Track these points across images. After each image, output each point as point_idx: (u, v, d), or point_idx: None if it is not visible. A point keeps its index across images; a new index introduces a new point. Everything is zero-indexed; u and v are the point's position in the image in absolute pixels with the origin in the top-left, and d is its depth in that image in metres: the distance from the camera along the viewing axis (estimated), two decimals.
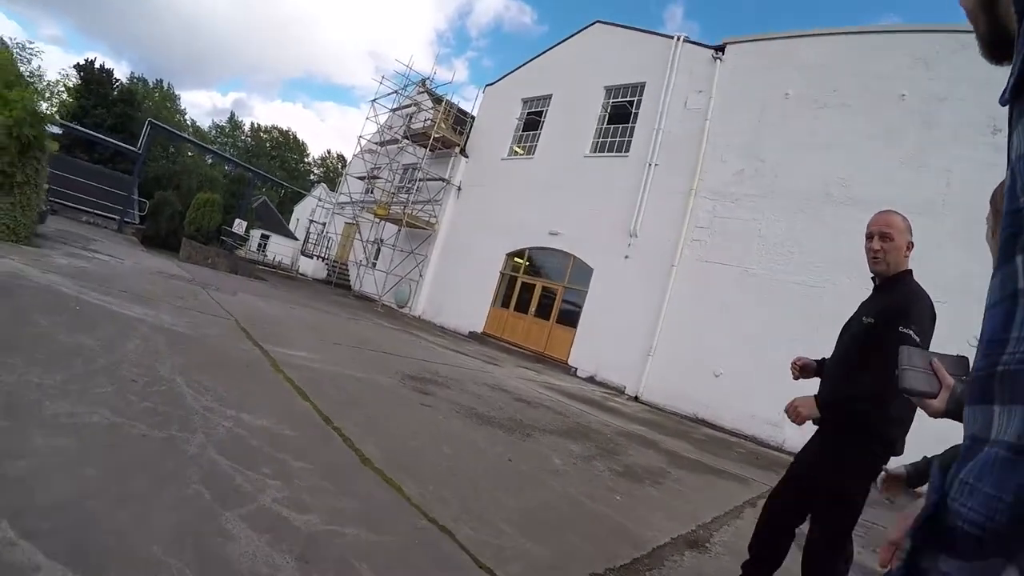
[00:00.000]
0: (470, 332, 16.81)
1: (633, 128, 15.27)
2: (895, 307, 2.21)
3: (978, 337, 0.65)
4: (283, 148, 74.12)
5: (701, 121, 13.67)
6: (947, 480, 0.62)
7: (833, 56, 12.18)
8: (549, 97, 18.08)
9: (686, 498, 4.57)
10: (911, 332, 2.06)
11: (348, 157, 72.35)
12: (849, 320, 2.48)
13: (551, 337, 15.14)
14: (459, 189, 19.78)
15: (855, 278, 9.97)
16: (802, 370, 2.56)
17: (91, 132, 25.32)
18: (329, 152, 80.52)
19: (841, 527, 2.34)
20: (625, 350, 13.13)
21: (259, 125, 76.05)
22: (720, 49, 13.94)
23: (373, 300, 19.63)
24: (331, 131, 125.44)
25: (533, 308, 16.01)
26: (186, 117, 63.43)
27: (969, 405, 0.63)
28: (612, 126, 15.99)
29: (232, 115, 77.51)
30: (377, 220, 20.65)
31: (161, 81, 59.73)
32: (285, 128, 78.26)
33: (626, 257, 13.99)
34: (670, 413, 11.59)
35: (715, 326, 12.15)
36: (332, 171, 72.40)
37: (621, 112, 15.84)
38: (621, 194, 14.55)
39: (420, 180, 19.48)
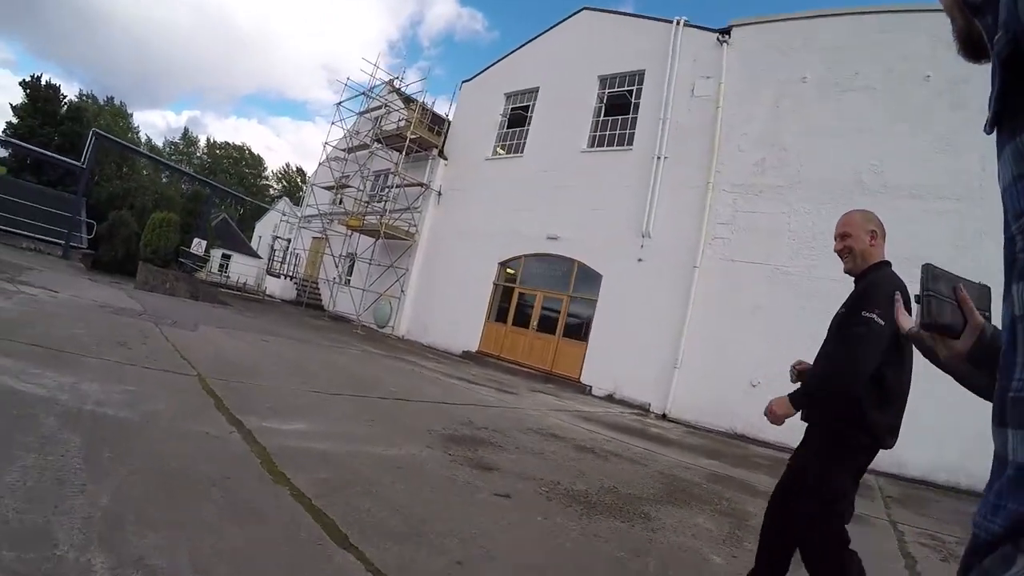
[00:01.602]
0: (464, 352, 15.30)
1: (635, 119, 14.30)
2: (858, 294, 2.30)
3: None
4: (240, 164, 72.40)
5: (712, 109, 12.77)
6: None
7: (851, 37, 11.51)
8: (536, 91, 16.81)
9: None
10: (874, 316, 2.11)
11: (308, 171, 67.76)
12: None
13: (558, 353, 13.80)
14: (439, 194, 18.29)
15: (898, 270, 8.94)
16: (800, 375, 2.45)
17: (23, 144, 22.63)
18: (288, 166, 79.39)
19: (825, 520, 2.28)
20: (646, 363, 12.07)
21: (215, 141, 74.23)
22: (726, 32, 13.14)
23: (350, 321, 17.95)
24: (287, 146, 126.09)
25: (535, 322, 14.73)
26: (140, 135, 61.05)
27: (993, 425, 0.63)
28: (611, 118, 14.98)
29: (186, 131, 73.95)
30: (349, 232, 18.91)
31: (112, 98, 56.70)
32: (241, 143, 77.10)
33: (639, 260, 12.76)
34: (704, 431, 10.59)
35: (748, 331, 11.02)
36: (292, 185, 72.06)
37: (620, 103, 14.81)
38: (628, 191, 13.47)
39: (397, 186, 17.63)
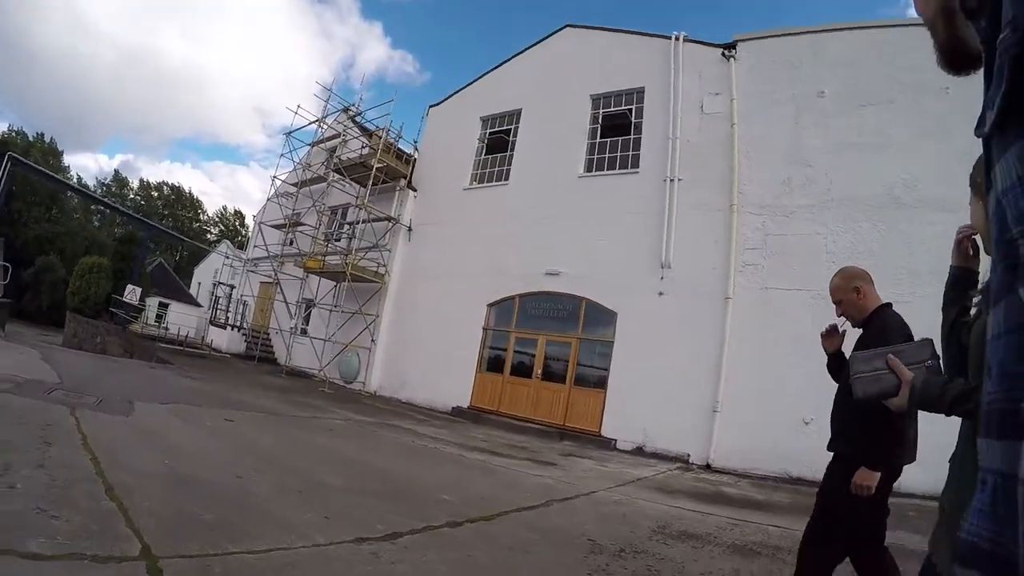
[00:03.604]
0: (454, 408, 14.49)
1: (639, 140, 14.22)
2: (866, 337, 2.79)
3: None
4: (176, 206, 73.38)
5: (726, 126, 12.87)
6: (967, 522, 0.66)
7: (861, 51, 11.91)
8: (517, 113, 16.71)
9: None
10: None
11: (246, 214, 67.68)
12: None
13: (571, 404, 13.22)
14: (409, 229, 17.56)
15: (941, 287, 9.24)
16: (832, 334, 3.08)
17: None
18: (225, 209, 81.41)
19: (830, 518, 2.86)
20: (680, 409, 11.60)
21: (148, 182, 74.72)
22: (731, 47, 13.40)
23: (311, 376, 16.74)
24: (222, 191, 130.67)
25: (538, 369, 13.91)
26: (72, 175, 59.35)
27: (987, 437, 0.66)
28: (609, 140, 14.83)
29: (117, 172, 73.31)
30: (305, 276, 18.04)
31: (42, 134, 53.54)
32: (176, 183, 78.25)
33: (660, 294, 12.51)
34: (756, 478, 10.11)
35: (791, 364, 10.82)
36: (231, 229, 74.33)
37: (618, 123, 14.79)
38: (639, 218, 13.31)
39: (363, 221, 16.94)
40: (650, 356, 12.23)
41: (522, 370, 14.41)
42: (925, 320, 8.37)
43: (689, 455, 11.25)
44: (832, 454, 2.98)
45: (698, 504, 6.89)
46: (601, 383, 13.00)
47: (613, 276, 13.25)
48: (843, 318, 3.00)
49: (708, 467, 10.87)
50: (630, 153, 14.28)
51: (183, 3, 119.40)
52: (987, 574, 0.61)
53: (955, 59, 0.83)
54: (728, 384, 11.28)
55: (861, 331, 2.91)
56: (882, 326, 2.77)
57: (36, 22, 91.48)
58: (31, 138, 51.72)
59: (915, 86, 10.97)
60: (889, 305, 2.91)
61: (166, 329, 24.77)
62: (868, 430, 2.59)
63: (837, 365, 3.11)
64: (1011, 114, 0.64)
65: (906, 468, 2.83)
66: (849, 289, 2.93)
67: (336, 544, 3.41)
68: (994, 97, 0.66)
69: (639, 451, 11.70)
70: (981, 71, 0.77)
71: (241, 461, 5.28)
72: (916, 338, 2.21)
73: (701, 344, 11.66)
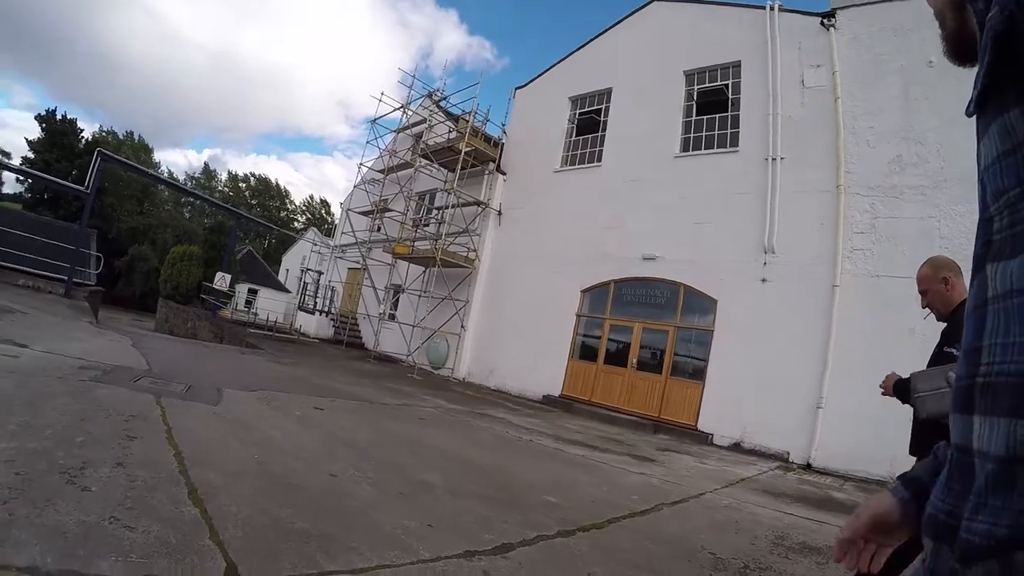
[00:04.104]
0: (545, 396, 14.86)
1: (736, 117, 13.93)
2: (949, 331, 2.82)
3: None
4: (263, 196, 76.62)
5: (829, 101, 12.41)
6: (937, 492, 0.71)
7: None
8: (607, 92, 16.62)
9: None
10: (954, 350, 2.55)
11: (332, 204, 71.25)
12: None
13: (667, 395, 13.29)
14: (499, 214, 17.86)
15: None
16: (894, 387, 2.94)
17: (10, 165, 23.02)
18: (312, 198, 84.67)
19: None
20: (781, 403, 11.48)
21: (236, 173, 78.80)
22: (830, 16, 12.84)
23: (400, 362, 17.54)
24: (308, 181, 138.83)
25: (633, 358, 14.05)
26: (162, 170, 64.48)
27: (952, 413, 0.68)
28: (706, 117, 14.60)
29: (206, 166, 79.32)
30: (394, 261, 18.68)
31: (132, 132, 58.57)
32: (263, 175, 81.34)
33: (763, 280, 12.32)
34: (858, 480, 10.01)
35: (904, 358, 10.03)
36: (317, 217, 76.92)
37: (715, 100, 14.49)
38: (739, 199, 13.10)
39: (452, 206, 17.40)
40: (751, 347, 12.10)
41: (616, 358, 14.49)
42: None
43: (789, 453, 11.14)
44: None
45: (810, 511, 6.90)
46: (699, 374, 12.96)
47: (713, 261, 13.12)
48: (927, 309, 2.99)
49: (809, 467, 10.74)
50: (728, 131, 13.98)
51: (266, 5, 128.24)
52: (942, 543, 0.66)
53: (962, 50, 0.82)
54: (834, 379, 11.04)
55: (945, 324, 2.91)
56: (955, 325, 2.71)
57: (127, 35, 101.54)
58: (121, 136, 55.80)
59: None
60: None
61: (255, 314, 25.72)
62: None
63: (902, 395, 3.01)
64: (991, 92, 0.66)
65: None
66: (937, 279, 2.89)
67: (444, 559, 3.26)
68: (978, 75, 0.68)
69: (736, 447, 11.66)
70: None
71: (334, 455, 5.24)
72: None
73: (806, 335, 11.45)
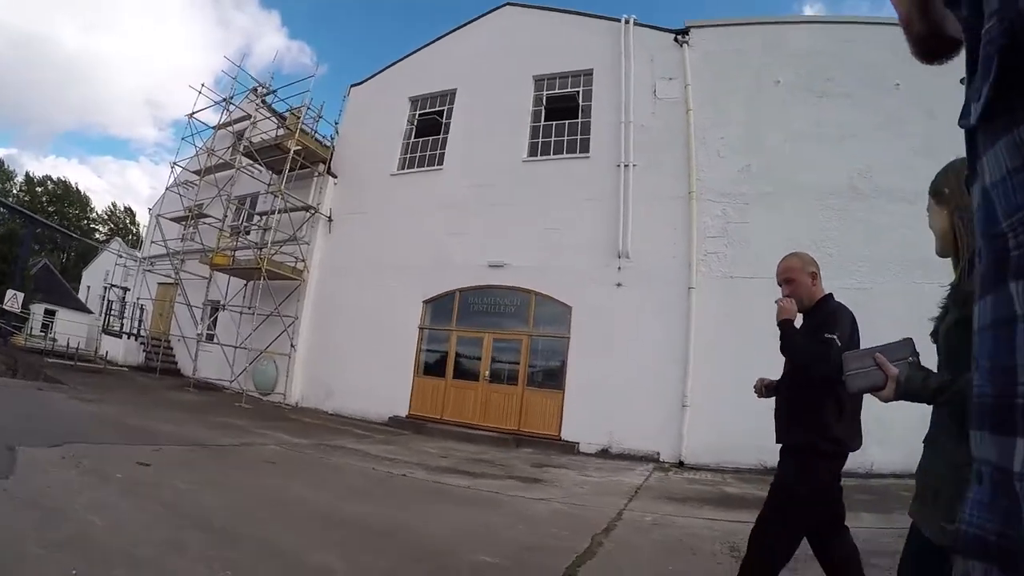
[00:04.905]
0: (391, 417, 13.68)
1: (588, 124, 14.11)
2: (817, 323, 3.00)
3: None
4: (62, 202, 70.24)
5: (681, 112, 13.09)
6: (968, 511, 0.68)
7: (818, 44, 12.58)
8: (451, 93, 16.14)
9: None
10: (835, 337, 2.78)
11: (137, 213, 65.23)
12: None
13: (526, 407, 12.78)
14: (330, 220, 16.44)
15: (900, 276, 10.43)
16: (766, 389, 3.26)
17: None
18: (115, 205, 78.75)
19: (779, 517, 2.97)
20: (647, 406, 11.53)
21: (34, 176, 71.32)
22: (683, 33, 13.61)
23: (222, 388, 15.41)
24: (110, 187, 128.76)
25: (485, 371, 13.37)
26: None
27: (980, 430, 0.68)
28: (555, 123, 14.57)
29: (1, 163, 68.72)
30: (211, 274, 16.60)
31: None
32: (64, 178, 74.05)
33: (618, 285, 12.42)
34: (731, 471, 10.30)
35: (759, 354, 10.56)
36: (121, 227, 72.25)
37: (564, 106, 14.49)
38: (591, 205, 13.22)
39: (276, 212, 15.70)
40: (611, 351, 12.03)
41: (467, 372, 13.80)
42: (884, 306, 8.68)
43: (659, 453, 11.18)
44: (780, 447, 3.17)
45: (725, 511, 6.75)
46: (558, 383, 12.66)
47: (566, 267, 12.97)
48: (789, 299, 3.04)
49: (681, 464, 10.87)
50: (579, 137, 14.10)
51: None
52: (993, 564, 0.62)
53: (932, 47, 0.85)
54: (696, 377, 11.28)
55: (805, 316, 3.08)
56: (833, 313, 2.95)
57: None
58: None
59: (869, 82, 11.64)
60: (832, 295, 3.08)
61: (54, 340, 22.36)
62: (823, 418, 2.84)
63: (773, 393, 3.27)
64: (999, 106, 0.64)
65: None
66: (806, 271, 3.05)
67: None
68: (980, 88, 0.67)
69: (605, 453, 11.46)
70: (957, 59, 0.82)
71: (184, 546, 3.68)
72: (858, 326, 2.96)
73: (665, 337, 11.62)
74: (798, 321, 3.08)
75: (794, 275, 3.04)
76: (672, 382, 11.34)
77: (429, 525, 5.15)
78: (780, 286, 3.11)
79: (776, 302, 3.07)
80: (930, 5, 0.81)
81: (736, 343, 10.95)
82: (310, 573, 3.58)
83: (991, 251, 0.66)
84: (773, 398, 3.24)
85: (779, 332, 3.01)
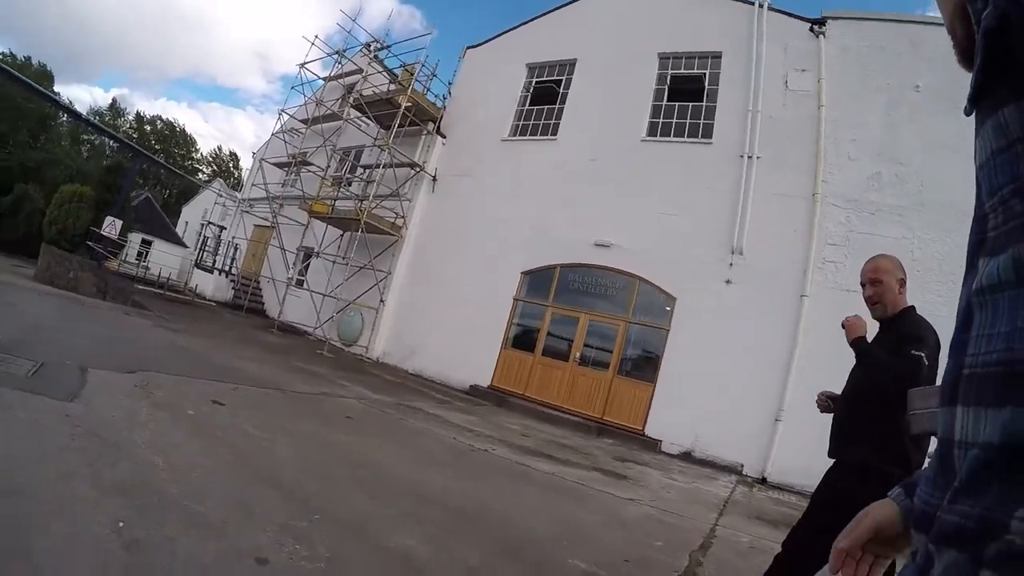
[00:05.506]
0: (472, 387, 13.88)
1: (712, 108, 13.64)
2: (904, 335, 2.75)
3: None
4: (169, 142, 73.40)
5: (812, 107, 12.42)
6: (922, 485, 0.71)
7: None
8: (572, 63, 15.92)
9: None
10: (923, 355, 2.60)
11: (242, 159, 68.29)
12: None
13: (613, 395, 12.69)
14: (434, 179, 16.57)
15: None
16: (829, 401, 3.23)
17: None
18: (220, 149, 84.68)
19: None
20: (738, 413, 11.19)
21: (144, 115, 74.50)
22: (820, 23, 12.88)
23: (305, 334, 16.02)
24: (217, 133, 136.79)
25: (577, 352, 13.35)
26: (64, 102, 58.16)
27: (939, 406, 0.70)
28: (677, 104, 14.20)
29: (114, 102, 73.07)
30: (308, 221, 17.08)
31: (29, 58, 51.46)
32: (172, 119, 77.61)
33: (728, 282, 12.06)
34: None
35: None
36: (224, 170, 75.27)
37: (689, 88, 14.16)
38: (709, 194, 12.80)
39: (381, 166, 15.94)
40: (710, 351, 11.72)
41: (557, 351, 13.75)
42: None
43: (743, 465, 10.91)
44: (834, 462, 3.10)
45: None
46: (650, 375, 12.46)
47: (675, 255, 12.67)
48: (856, 316, 2.95)
49: (764, 481, 10.58)
50: (701, 121, 13.67)
51: None
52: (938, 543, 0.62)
53: (972, 52, 0.75)
54: (796, 391, 10.83)
55: (882, 325, 2.94)
56: (916, 327, 2.77)
57: None
58: (19, 60, 50.03)
59: None
60: (915, 308, 2.91)
61: (147, 268, 23.66)
62: (893, 436, 2.65)
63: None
64: (985, 89, 0.66)
65: None
66: (895, 277, 2.88)
67: None
68: (973, 75, 0.68)
69: (687, 456, 11.27)
70: None
71: (251, 506, 3.42)
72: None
73: (770, 343, 11.24)
74: (870, 335, 2.97)
75: (883, 276, 2.87)
76: (769, 393, 10.98)
77: (515, 512, 5.02)
78: (863, 286, 2.95)
79: (843, 322, 2.96)
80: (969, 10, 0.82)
81: (843, 363, 10.38)
82: (393, 560, 3.29)
83: (976, 233, 0.67)
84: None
85: (855, 351, 2.92)
